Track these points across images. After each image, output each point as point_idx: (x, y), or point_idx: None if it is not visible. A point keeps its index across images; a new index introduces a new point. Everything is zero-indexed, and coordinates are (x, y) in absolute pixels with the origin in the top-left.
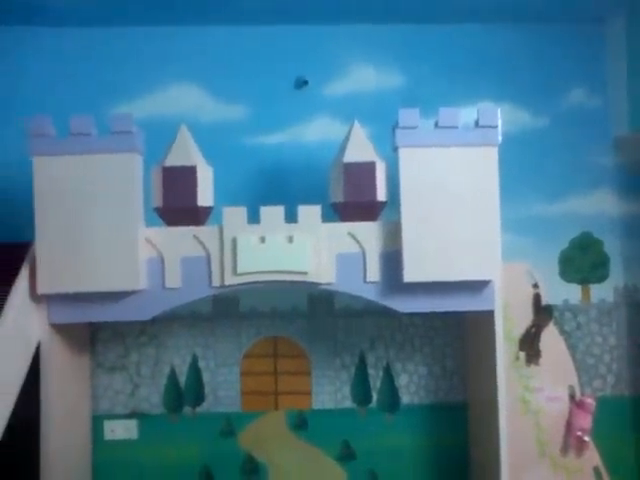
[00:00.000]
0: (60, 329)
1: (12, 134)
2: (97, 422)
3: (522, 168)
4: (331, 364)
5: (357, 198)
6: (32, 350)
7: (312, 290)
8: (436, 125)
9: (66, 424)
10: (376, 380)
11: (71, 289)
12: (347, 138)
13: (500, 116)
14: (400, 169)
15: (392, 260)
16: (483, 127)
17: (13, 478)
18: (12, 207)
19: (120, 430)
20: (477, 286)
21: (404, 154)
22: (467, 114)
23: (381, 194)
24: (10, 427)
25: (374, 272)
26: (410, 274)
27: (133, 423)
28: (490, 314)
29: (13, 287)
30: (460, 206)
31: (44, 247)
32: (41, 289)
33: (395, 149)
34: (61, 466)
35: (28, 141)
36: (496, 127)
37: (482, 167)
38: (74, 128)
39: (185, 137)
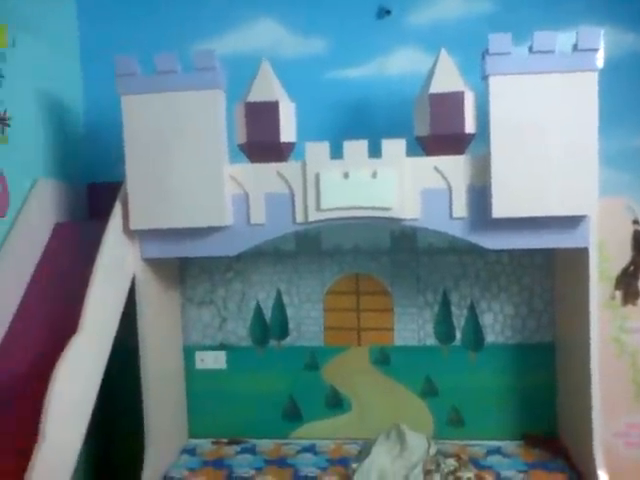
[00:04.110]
0: (152, 264)
1: (103, 75)
2: (189, 352)
3: (624, 96)
4: (414, 302)
5: (444, 131)
6: (128, 282)
7: (395, 227)
8: (530, 50)
9: (161, 353)
10: (460, 319)
11: (161, 225)
12: (433, 68)
13: (602, 39)
14: (490, 98)
15: (480, 195)
16: (582, 51)
17: (118, 405)
18: (105, 149)
19: (210, 360)
20: (571, 222)
21: (494, 82)
22: (564, 39)
23: (469, 126)
24: (114, 356)
25: (461, 208)
26: (499, 209)
27: (222, 354)
28: (584, 251)
29: (108, 223)
30: (554, 137)
31: (135, 185)
32: (133, 225)
33: (485, 78)
34: (159, 390)
35: (116, 81)
36: (597, 50)
37: (580, 95)
38: (159, 66)
39: (267, 72)
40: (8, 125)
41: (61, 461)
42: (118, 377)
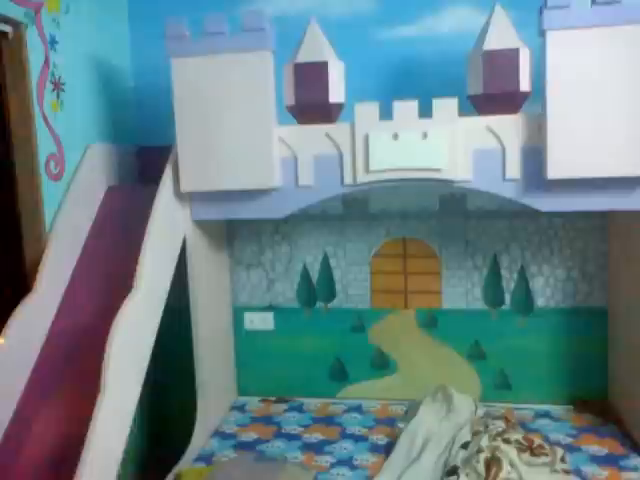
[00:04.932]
0: (202, 226)
1: (151, 39)
2: (238, 313)
3: None
4: (462, 265)
5: (498, 89)
6: (179, 243)
7: (445, 189)
8: (593, 2)
9: (211, 313)
10: (509, 282)
11: (210, 187)
12: (487, 24)
13: None
14: (547, 55)
15: (534, 156)
16: None
17: (171, 363)
18: (153, 113)
19: (258, 321)
20: (630, 183)
21: (552, 38)
22: None
23: (524, 84)
24: (166, 315)
25: (514, 168)
26: (554, 170)
27: (270, 315)
28: None
29: (159, 186)
30: (615, 94)
31: (185, 147)
32: (183, 187)
33: (542, 33)
34: (209, 349)
35: (166, 43)
36: None
37: None
38: (208, 27)
39: (315, 32)
40: (62, 90)
41: (121, 411)
42: (170, 336)
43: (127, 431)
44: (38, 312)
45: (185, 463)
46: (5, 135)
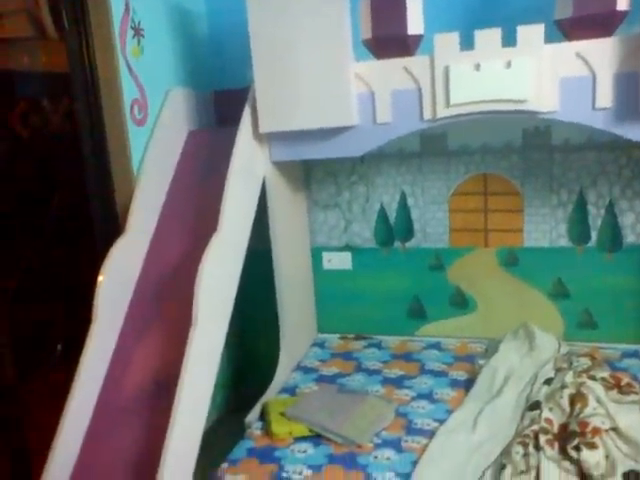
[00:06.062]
0: (281, 167)
1: None
2: (316, 253)
3: None
4: (546, 202)
5: (590, 10)
6: (259, 185)
7: (530, 121)
8: None
9: (291, 253)
10: (596, 219)
11: (288, 127)
12: None
13: None
14: None
15: (629, 82)
16: None
17: (257, 299)
18: (227, 56)
19: (336, 261)
20: None
21: None
22: None
23: (623, 1)
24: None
25: (605, 97)
26: None
27: (347, 255)
28: None
29: (239, 128)
30: None
31: (262, 87)
32: (262, 128)
33: None
34: (290, 288)
35: None
36: None
37: None
38: None
39: None
40: (142, 36)
41: (211, 343)
42: (253, 278)
43: (217, 362)
44: (131, 252)
45: (271, 394)
46: (92, 82)
